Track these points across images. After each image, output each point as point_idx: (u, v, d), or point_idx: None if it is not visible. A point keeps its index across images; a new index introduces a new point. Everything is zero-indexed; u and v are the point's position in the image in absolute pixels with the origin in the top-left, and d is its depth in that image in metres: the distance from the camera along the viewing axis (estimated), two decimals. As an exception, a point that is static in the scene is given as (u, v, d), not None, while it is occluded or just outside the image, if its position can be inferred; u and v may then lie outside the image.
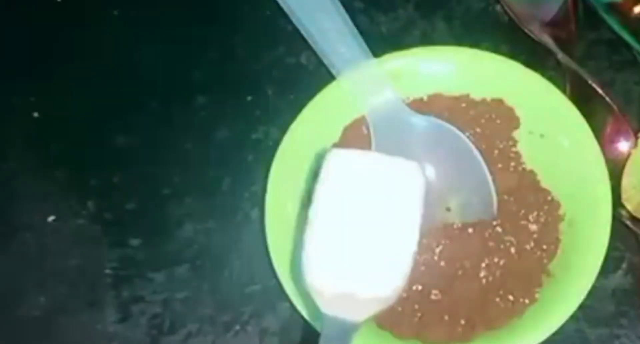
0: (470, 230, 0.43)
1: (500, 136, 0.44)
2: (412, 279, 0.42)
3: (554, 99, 0.43)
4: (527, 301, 0.41)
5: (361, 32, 0.43)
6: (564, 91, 0.44)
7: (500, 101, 0.44)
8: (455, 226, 0.43)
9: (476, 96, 0.44)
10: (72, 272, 0.47)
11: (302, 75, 0.49)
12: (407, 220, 0.34)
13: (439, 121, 0.44)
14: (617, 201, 0.42)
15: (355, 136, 0.44)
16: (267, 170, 0.43)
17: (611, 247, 0.40)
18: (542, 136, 0.44)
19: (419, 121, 0.44)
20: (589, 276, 0.40)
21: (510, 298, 0.41)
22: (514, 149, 0.44)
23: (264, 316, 0.45)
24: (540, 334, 0.39)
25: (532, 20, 0.48)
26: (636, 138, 0.44)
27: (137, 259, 0.47)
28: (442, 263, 0.43)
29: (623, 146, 0.44)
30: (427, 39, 0.49)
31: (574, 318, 0.40)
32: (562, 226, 0.42)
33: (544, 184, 0.43)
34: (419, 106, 0.44)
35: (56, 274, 0.47)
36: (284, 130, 0.44)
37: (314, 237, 0.34)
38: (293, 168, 0.43)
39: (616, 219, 0.42)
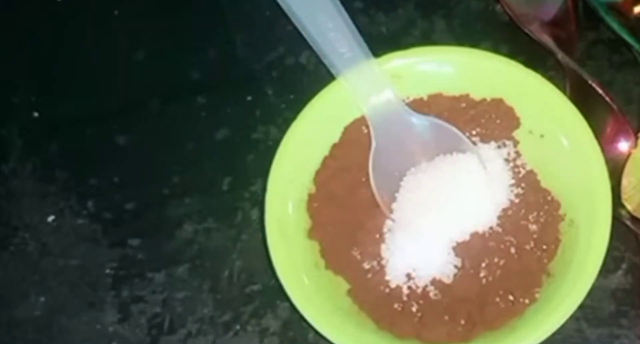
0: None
1: (500, 136, 0.44)
2: (413, 279, 0.42)
3: (554, 99, 0.43)
4: (527, 301, 0.41)
5: (361, 32, 0.43)
6: (564, 91, 0.44)
7: (500, 101, 0.44)
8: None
9: (476, 96, 0.44)
10: (72, 272, 0.47)
11: (302, 75, 0.49)
12: None
13: (439, 121, 0.44)
14: (617, 201, 0.42)
15: (355, 136, 0.44)
16: (267, 170, 0.43)
17: (611, 247, 0.40)
18: (542, 136, 0.44)
19: (419, 120, 0.44)
20: (589, 276, 0.40)
21: (510, 298, 0.41)
22: (514, 149, 0.44)
23: (264, 316, 0.45)
24: (540, 334, 0.39)
25: (532, 20, 0.48)
26: (636, 138, 0.43)
27: (137, 259, 0.47)
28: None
29: (623, 146, 0.44)
30: (427, 39, 0.49)
31: (574, 318, 0.40)
32: (562, 226, 0.42)
33: (544, 184, 0.43)
34: (419, 106, 0.44)
35: (56, 274, 0.47)
36: (284, 130, 0.44)
37: None
38: (293, 168, 0.43)
39: (616, 219, 0.42)
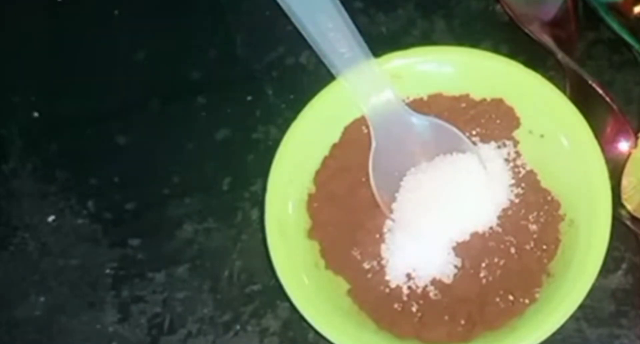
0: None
1: (500, 136, 0.44)
2: (413, 279, 0.42)
3: (554, 99, 0.43)
4: (527, 301, 0.41)
5: (361, 32, 0.43)
6: (564, 91, 0.44)
7: (500, 101, 0.44)
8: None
9: (476, 96, 0.44)
10: (72, 272, 0.47)
11: (302, 75, 0.49)
12: None
13: (439, 121, 0.44)
14: (617, 201, 0.42)
15: (355, 136, 0.44)
16: (267, 170, 0.43)
17: (611, 247, 0.40)
18: (542, 136, 0.44)
19: (419, 120, 0.44)
20: (589, 276, 0.40)
21: (510, 298, 0.41)
22: (514, 149, 0.44)
23: (264, 316, 0.45)
24: (540, 334, 0.39)
25: (532, 20, 0.48)
26: (636, 138, 0.44)
27: (137, 259, 0.47)
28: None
29: (623, 146, 0.44)
30: (427, 39, 0.49)
31: (574, 318, 0.40)
32: (562, 226, 0.42)
33: (544, 184, 0.43)
34: (419, 106, 0.44)
35: (56, 274, 0.47)
36: (284, 130, 0.44)
37: None
38: (293, 168, 0.43)
39: (616, 219, 0.42)
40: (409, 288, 0.42)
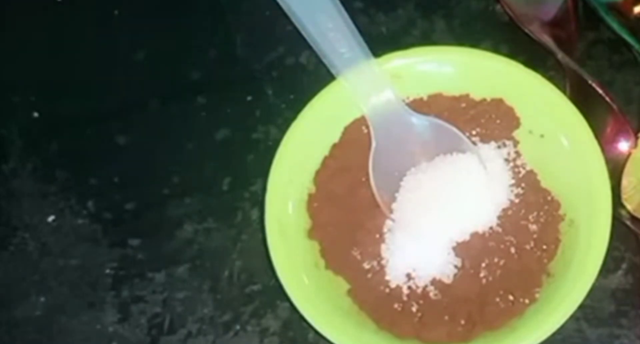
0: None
1: (500, 136, 0.44)
2: (413, 279, 0.42)
3: (554, 99, 0.43)
4: (527, 301, 0.41)
5: (361, 32, 0.43)
6: (564, 91, 0.44)
7: (500, 101, 0.44)
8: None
9: (476, 96, 0.44)
10: (72, 272, 0.47)
11: (302, 75, 0.49)
12: None
13: (439, 121, 0.44)
14: (617, 201, 0.42)
15: (355, 136, 0.44)
16: (267, 170, 0.43)
17: (611, 247, 0.40)
18: (542, 136, 0.44)
19: (419, 120, 0.44)
20: (589, 276, 0.40)
21: (510, 298, 0.41)
22: (514, 149, 0.44)
23: (264, 316, 0.45)
24: (540, 334, 0.39)
25: (532, 20, 0.48)
26: (636, 138, 0.44)
27: (137, 259, 0.47)
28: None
29: (623, 146, 0.44)
30: (427, 39, 0.49)
31: (574, 318, 0.40)
32: (562, 226, 0.42)
33: (544, 184, 0.43)
34: (419, 106, 0.44)
35: (56, 274, 0.47)
36: (284, 130, 0.44)
37: None
38: (293, 168, 0.43)
39: (616, 219, 0.42)
40: (409, 288, 0.42)
